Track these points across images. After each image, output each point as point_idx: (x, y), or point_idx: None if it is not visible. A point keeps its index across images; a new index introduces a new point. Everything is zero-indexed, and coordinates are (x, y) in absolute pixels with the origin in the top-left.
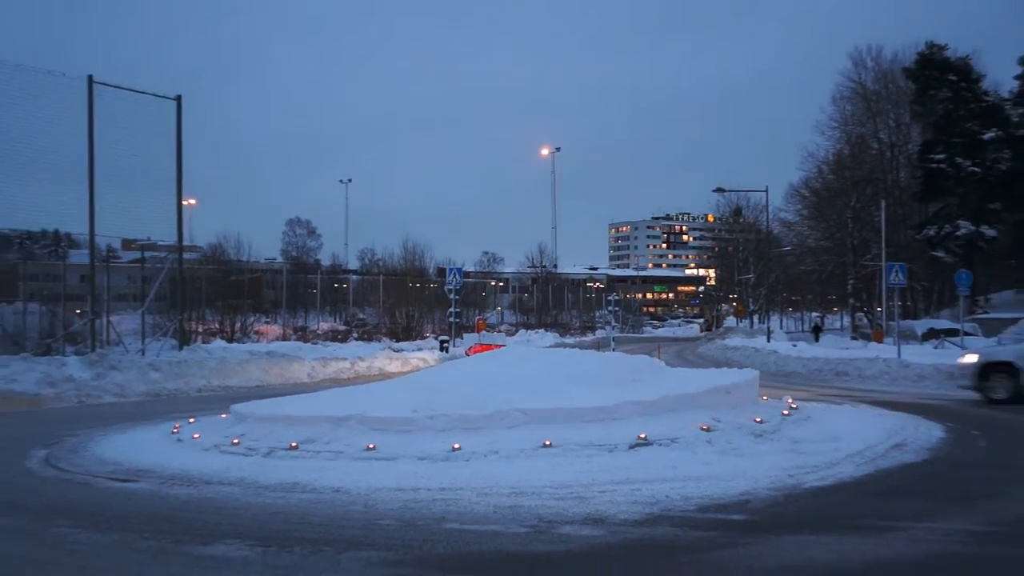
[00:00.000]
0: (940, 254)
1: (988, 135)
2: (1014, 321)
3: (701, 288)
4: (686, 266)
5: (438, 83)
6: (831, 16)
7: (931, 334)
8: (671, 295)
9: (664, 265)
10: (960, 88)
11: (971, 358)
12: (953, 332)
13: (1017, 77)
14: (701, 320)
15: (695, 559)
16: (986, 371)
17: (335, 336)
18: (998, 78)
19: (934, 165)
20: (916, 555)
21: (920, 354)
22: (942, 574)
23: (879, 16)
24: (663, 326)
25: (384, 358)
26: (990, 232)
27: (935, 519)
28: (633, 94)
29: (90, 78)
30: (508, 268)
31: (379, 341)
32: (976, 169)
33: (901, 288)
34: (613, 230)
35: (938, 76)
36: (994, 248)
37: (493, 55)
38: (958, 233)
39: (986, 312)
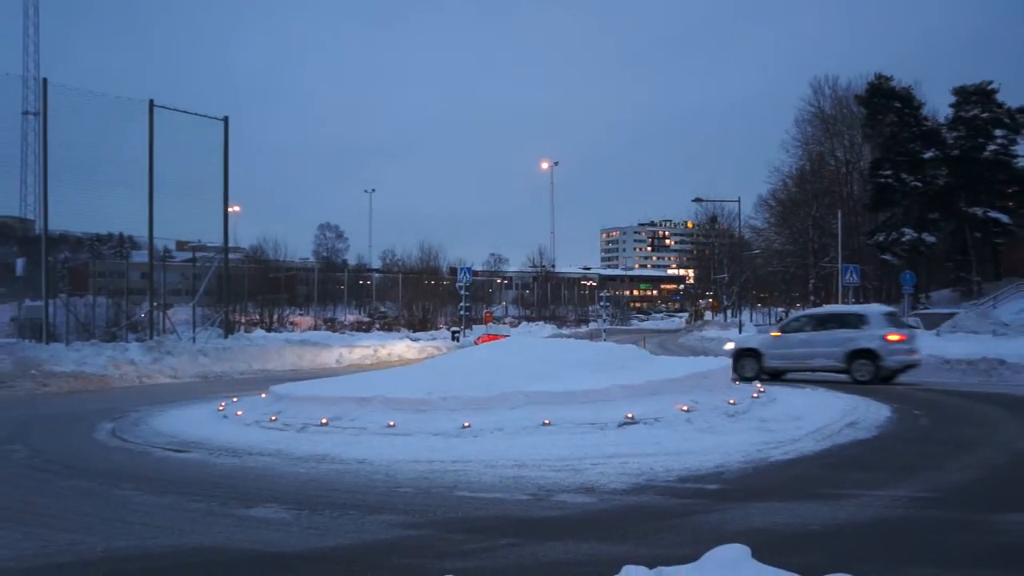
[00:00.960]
0: (888, 257)
1: (928, 155)
2: (950, 316)
3: (681, 286)
4: (668, 267)
5: (453, 103)
6: (796, 49)
7: None
8: (655, 292)
9: (649, 265)
10: (904, 114)
11: (729, 346)
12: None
13: (951, 105)
14: (686, 314)
15: (676, 523)
16: (739, 355)
17: (360, 327)
18: (936, 106)
19: (882, 180)
20: (866, 518)
21: None
22: (887, 534)
23: (836, 49)
24: (648, 319)
25: (403, 346)
26: (930, 238)
27: (882, 487)
28: (624, 115)
29: (151, 102)
30: (512, 267)
31: (398, 331)
32: (918, 184)
33: (855, 287)
34: (604, 234)
35: (885, 103)
36: (934, 252)
37: (503, 78)
38: (903, 239)
39: (927, 308)
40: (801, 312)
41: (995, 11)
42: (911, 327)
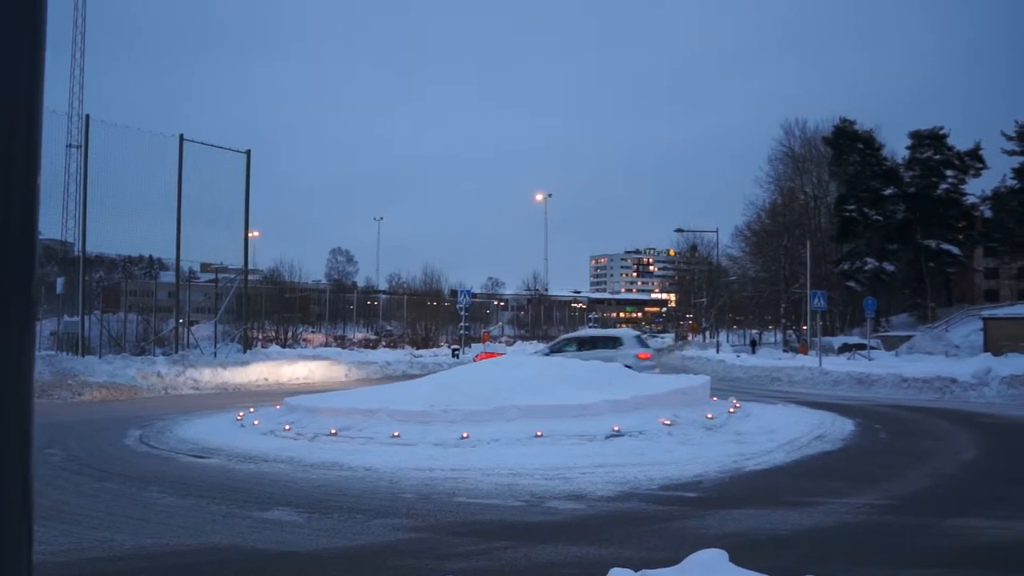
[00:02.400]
0: (852, 284)
1: (887, 191)
2: (908, 338)
3: (664, 309)
4: (652, 291)
5: (457, 141)
6: (770, 94)
7: (845, 348)
8: (640, 314)
9: (634, 290)
10: (866, 154)
11: None
12: (862, 346)
13: (908, 147)
14: (668, 335)
15: (658, 528)
16: None
17: (367, 344)
18: (894, 147)
19: (847, 214)
20: (831, 523)
21: (836, 364)
22: (850, 538)
23: (806, 94)
24: None
25: (406, 362)
26: (890, 267)
27: (846, 495)
28: (614, 153)
29: (181, 136)
30: (508, 290)
31: (403, 348)
32: (879, 218)
33: (822, 311)
34: (593, 261)
35: (849, 144)
36: (893, 280)
37: (502, 116)
38: (866, 268)
39: (887, 331)
40: (567, 335)
41: (946, 63)
42: (652, 347)
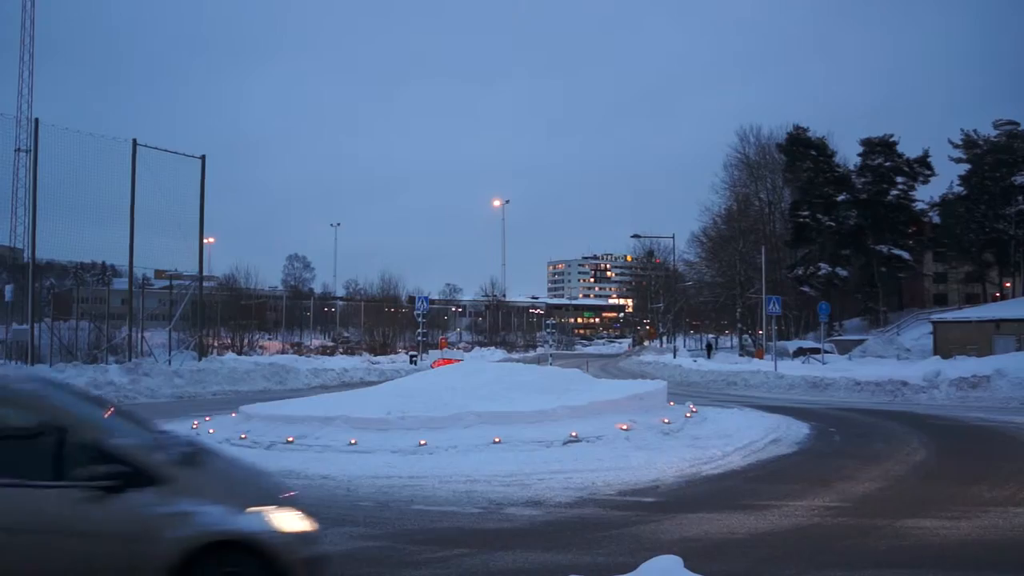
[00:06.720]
0: (806, 289)
1: (840, 197)
2: (860, 342)
3: (621, 314)
4: (609, 296)
5: (423, 152)
6: (728, 105)
7: (800, 352)
8: (597, 320)
9: (592, 295)
10: (819, 161)
11: None
12: (816, 350)
13: (860, 154)
14: (626, 340)
15: (615, 533)
16: None
17: (324, 351)
18: (846, 154)
19: (801, 220)
20: (787, 526)
21: (791, 368)
22: (805, 540)
23: (763, 109)
24: (591, 345)
25: (364, 369)
26: (843, 272)
27: (801, 498)
28: (573, 163)
29: (134, 141)
30: (466, 296)
31: (360, 355)
32: (832, 224)
33: (777, 315)
34: (551, 267)
35: (803, 151)
36: (846, 285)
37: (471, 131)
38: (819, 273)
39: (840, 335)
40: None
41: (897, 75)
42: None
